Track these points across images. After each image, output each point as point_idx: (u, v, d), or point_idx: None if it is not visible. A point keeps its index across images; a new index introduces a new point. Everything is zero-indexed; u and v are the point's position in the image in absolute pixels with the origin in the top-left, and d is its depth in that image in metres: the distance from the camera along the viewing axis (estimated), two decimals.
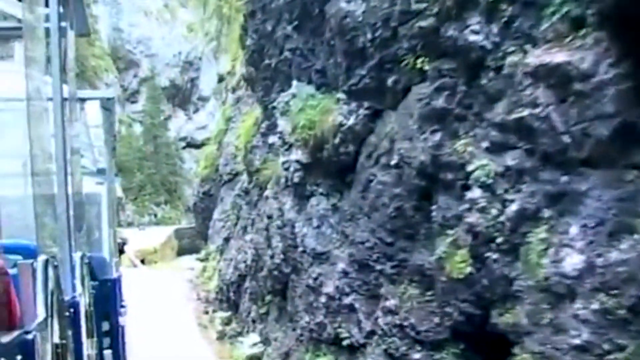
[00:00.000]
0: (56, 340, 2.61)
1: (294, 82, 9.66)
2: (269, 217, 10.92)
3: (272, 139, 11.03)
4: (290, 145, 9.44)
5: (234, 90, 30.52)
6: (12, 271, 2.13)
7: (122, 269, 11.39)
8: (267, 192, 11.14)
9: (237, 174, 25.14)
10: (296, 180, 9.54)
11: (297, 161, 9.41)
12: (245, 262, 14.76)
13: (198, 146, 69.95)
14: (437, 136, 7.21)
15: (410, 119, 7.71)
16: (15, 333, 1.91)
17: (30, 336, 2.04)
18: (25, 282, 2.20)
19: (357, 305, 8.55)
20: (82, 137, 6.61)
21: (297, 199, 9.76)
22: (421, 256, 7.89)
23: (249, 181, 13.54)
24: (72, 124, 4.79)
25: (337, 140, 8.76)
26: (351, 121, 8.62)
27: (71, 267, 3.96)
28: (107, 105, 7.98)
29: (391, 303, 8.03)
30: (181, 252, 45.42)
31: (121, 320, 7.69)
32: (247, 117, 12.04)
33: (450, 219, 7.06)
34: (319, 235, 9.27)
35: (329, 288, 8.99)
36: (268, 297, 12.19)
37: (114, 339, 6.88)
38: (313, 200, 9.42)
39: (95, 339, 4.96)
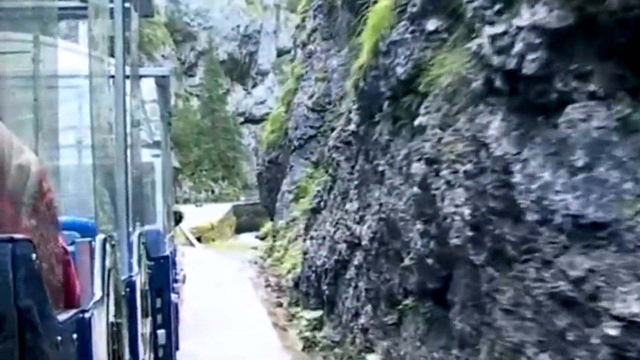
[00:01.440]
0: (112, 319, 2.52)
1: None
2: (431, 162, 5.61)
3: (435, 21, 5.70)
4: None
5: (304, 45, 26.78)
6: (69, 248, 1.97)
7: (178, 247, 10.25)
8: (423, 119, 5.82)
9: (310, 138, 20.23)
10: (529, 71, 4.18)
11: (536, 28, 4.04)
12: (348, 241, 9.56)
13: (256, 121, 66.27)
14: None
15: None
16: (73, 312, 1.82)
17: (87, 315, 1.99)
18: (83, 260, 2.14)
19: None
20: (139, 112, 6.16)
21: (521, 116, 4.41)
22: None
23: (362, 117, 8.25)
24: (134, 99, 4.97)
25: None
26: None
27: (129, 246, 3.80)
28: (162, 83, 7.88)
29: None
30: (240, 230, 41.05)
31: (174, 297, 7.24)
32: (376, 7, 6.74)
33: None
34: (589, 185, 3.91)
35: (624, 304, 3.64)
36: (408, 301, 6.92)
37: (166, 316, 6.38)
38: (572, 112, 4.04)
39: (149, 318, 4.80)
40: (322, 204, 11.26)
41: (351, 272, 9.39)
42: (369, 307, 8.65)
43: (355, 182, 9.46)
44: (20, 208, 1.43)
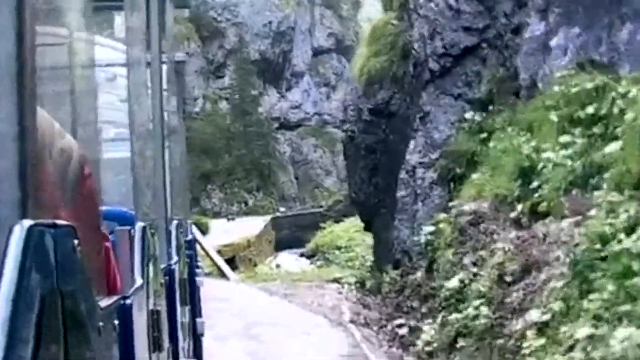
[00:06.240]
0: (152, 306, 2.52)
1: None
2: None
3: None
4: None
5: None
6: (109, 237, 2.08)
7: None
8: None
9: (466, 53, 7.83)
10: None
11: None
12: None
13: (292, 127, 56.00)
14: None
15: None
16: (114, 298, 1.83)
17: (128, 301, 1.97)
18: (123, 248, 2.14)
19: None
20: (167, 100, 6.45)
21: None
22: None
23: None
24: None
25: None
26: None
27: (167, 235, 3.80)
28: (178, 69, 7.75)
29: None
30: (279, 246, 33.96)
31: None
32: None
33: None
34: None
35: None
36: None
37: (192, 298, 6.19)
38: None
39: (188, 306, 4.67)
40: None
41: None
42: None
43: None
44: (62, 192, 1.37)
